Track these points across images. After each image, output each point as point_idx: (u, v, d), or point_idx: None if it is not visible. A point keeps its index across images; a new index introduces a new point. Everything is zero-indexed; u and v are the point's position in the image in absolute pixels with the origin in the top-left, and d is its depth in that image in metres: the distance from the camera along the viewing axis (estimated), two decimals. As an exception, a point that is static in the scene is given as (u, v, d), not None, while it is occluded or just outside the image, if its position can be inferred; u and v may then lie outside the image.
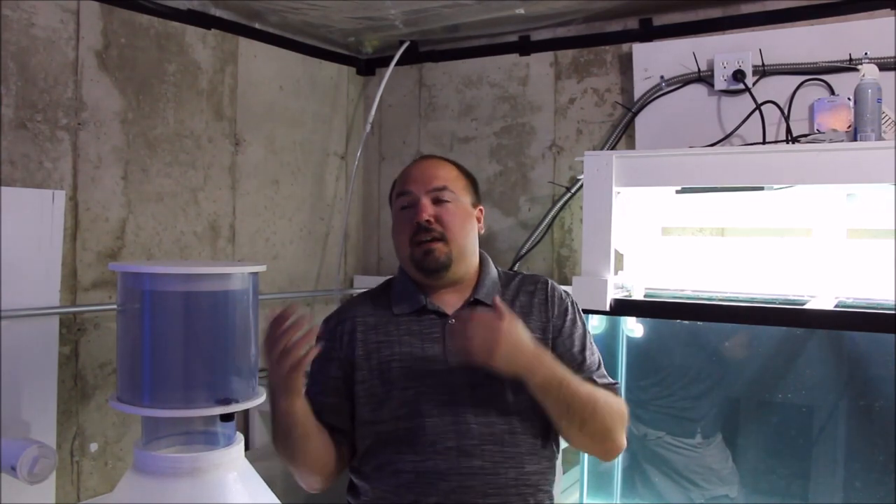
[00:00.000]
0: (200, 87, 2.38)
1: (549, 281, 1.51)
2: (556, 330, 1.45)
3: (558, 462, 1.51)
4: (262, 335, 1.28)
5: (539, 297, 1.47)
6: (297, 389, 1.30)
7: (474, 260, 1.48)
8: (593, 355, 1.46)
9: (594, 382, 1.40)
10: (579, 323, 1.48)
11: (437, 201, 1.43)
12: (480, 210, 1.52)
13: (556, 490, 1.48)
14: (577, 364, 1.41)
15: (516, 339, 1.27)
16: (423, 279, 1.44)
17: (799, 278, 2.07)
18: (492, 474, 1.34)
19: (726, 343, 2.29)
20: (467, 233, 1.45)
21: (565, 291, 1.52)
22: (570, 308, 1.48)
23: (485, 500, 1.33)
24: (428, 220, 1.40)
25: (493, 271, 1.50)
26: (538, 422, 1.38)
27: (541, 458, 1.40)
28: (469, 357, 1.26)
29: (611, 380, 1.45)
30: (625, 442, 1.41)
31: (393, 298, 1.47)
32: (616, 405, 1.39)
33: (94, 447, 2.09)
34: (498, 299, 1.32)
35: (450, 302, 1.45)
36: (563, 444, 1.49)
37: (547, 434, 1.41)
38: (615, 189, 1.99)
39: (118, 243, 2.15)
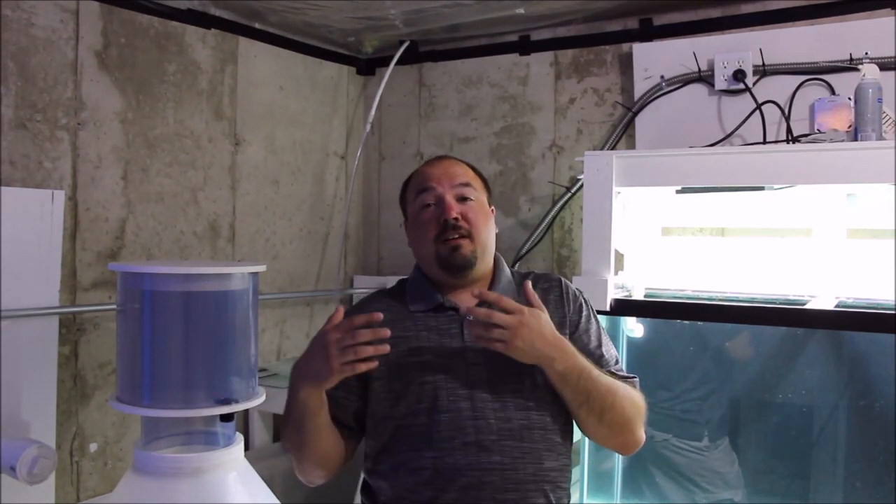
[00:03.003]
0: (200, 87, 2.38)
1: (562, 279, 1.52)
2: (573, 326, 1.45)
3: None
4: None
5: (554, 294, 1.48)
6: (330, 384, 1.29)
7: (492, 259, 1.50)
8: (610, 350, 1.47)
9: (613, 375, 1.41)
10: (593, 319, 1.49)
11: (462, 199, 1.44)
12: (492, 210, 1.53)
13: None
14: (596, 359, 1.42)
15: (538, 326, 1.27)
16: (445, 277, 1.45)
17: (799, 278, 2.07)
18: (510, 469, 1.33)
19: (727, 343, 2.28)
20: (489, 231, 1.47)
21: (578, 289, 1.53)
22: (584, 305, 1.49)
23: (504, 495, 1.33)
24: (456, 218, 1.41)
25: (507, 270, 1.52)
26: (557, 418, 1.39)
27: (559, 454, 1.40)
28: (488, 343, 1.26)
29: (629, 374, 1.46)
30: (643, 436, 1.41)
31: (409, 296, 1.48)
32: (635, 397, 1.40)
33: (93, 447, 2.09)
34: (528, 284, 1.33)
35: (466, 300, 1.44)
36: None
37: (565, 431, 1.41)
38: (615, 189, 1.99)
39: (118, 243, 2.15)
